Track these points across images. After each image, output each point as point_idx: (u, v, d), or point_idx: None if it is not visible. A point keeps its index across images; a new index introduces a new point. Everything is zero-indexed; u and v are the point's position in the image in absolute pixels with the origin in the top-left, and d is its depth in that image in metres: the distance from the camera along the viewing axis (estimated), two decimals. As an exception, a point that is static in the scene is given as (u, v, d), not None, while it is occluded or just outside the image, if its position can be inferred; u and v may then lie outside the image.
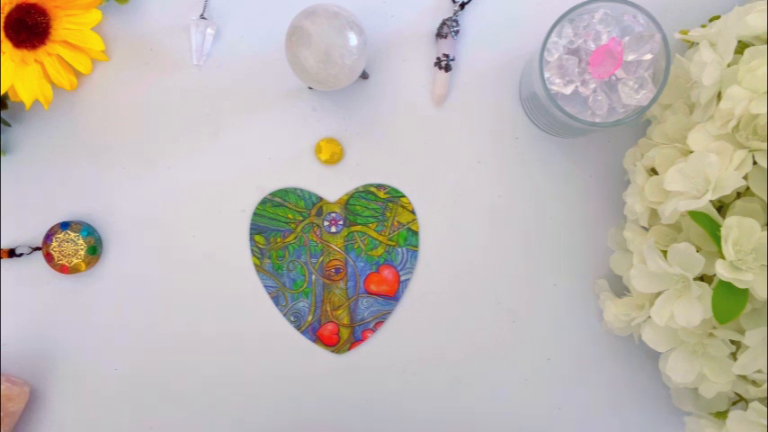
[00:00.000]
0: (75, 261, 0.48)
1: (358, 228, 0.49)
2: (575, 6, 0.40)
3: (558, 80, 0.41)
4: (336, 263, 0.49)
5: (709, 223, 0.36)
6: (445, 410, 0.50)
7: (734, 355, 0.39)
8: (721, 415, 0.42)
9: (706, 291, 0.37)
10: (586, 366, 0.49)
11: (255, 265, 0.49)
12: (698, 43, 0.41)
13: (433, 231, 0.49)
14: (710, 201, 0.36)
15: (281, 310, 0.49)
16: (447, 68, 0.48)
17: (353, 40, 0.42)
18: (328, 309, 0.49)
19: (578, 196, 0.49)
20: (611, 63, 0.40)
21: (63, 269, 0.48)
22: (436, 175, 0.49)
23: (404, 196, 0.49)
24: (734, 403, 0.42)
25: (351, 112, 0.49)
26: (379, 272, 0.49)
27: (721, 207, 0.39)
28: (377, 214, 0.49)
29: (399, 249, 0.49)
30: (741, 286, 0.35)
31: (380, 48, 0.49)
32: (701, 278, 0.39)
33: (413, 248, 0.49)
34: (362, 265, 0.49)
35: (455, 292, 0.49)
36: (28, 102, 0.46)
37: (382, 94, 0.49)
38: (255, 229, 0.49)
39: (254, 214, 0.49)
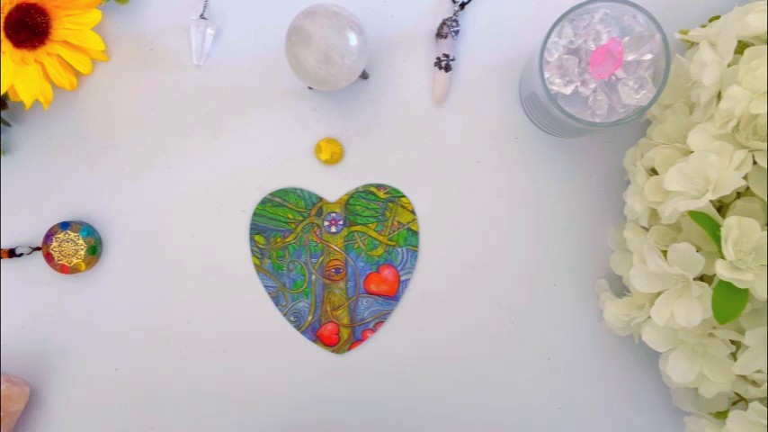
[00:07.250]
0: (75, 261, 0.48)
1: (358, 228, 0.49)
2: (575, 6, 0.40)
3: (558, 80, 0.41)
4: (336, 263, 0.49)
5: (709, 223, 0.36)
6: (445, 410, 0.50)
7: (734, 355, 0.39)
8: (721, 415, 0.42)
9: (706, 291, 0.37)
10: (586, 366, 0.49)
11: (255, 265, 0.49)
12: (698, 43, 0.41)
13: (433, 231, 0.49)
14: (710, 201, 0.36)
15: (281, 310, 0.49)
16: (447, 68, 0.48)
17: (353, 40, 0.42)
18: (328, 309, 0.49)
19: (578, 196, 0.49)
20: (611, 63, 0.40)
21: (63, 269, 0.48)
22: (436, 175, 0.49)
23: (404, 196, 0.49)
24: (734, 403, 0.42)
25: (351, 112, 0.49)
26: (379, 272, 0.49)
27: (721, 207, 0.39)
28: (377, 214, 0.49)
29: (399, 249, 0.49)
30: (741, 286, 0.35)
31: (380, 48, 0.49)
32: (701, 278, 0.39)
33: (413, 248, 0.49)
34: (362, 265, 0.49)
35: (455, 292, 0.49)
36: (28, 102, 0.46)
37: (382, 94, 0.49)
38: (255, 229, 0.49)
39: (254, 214, 0.49)
